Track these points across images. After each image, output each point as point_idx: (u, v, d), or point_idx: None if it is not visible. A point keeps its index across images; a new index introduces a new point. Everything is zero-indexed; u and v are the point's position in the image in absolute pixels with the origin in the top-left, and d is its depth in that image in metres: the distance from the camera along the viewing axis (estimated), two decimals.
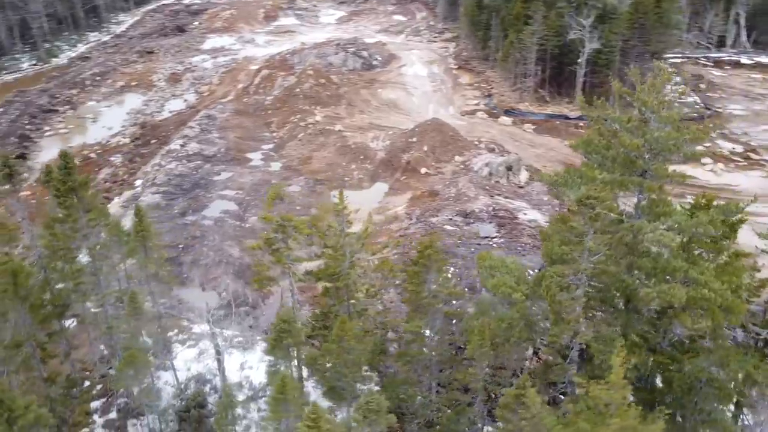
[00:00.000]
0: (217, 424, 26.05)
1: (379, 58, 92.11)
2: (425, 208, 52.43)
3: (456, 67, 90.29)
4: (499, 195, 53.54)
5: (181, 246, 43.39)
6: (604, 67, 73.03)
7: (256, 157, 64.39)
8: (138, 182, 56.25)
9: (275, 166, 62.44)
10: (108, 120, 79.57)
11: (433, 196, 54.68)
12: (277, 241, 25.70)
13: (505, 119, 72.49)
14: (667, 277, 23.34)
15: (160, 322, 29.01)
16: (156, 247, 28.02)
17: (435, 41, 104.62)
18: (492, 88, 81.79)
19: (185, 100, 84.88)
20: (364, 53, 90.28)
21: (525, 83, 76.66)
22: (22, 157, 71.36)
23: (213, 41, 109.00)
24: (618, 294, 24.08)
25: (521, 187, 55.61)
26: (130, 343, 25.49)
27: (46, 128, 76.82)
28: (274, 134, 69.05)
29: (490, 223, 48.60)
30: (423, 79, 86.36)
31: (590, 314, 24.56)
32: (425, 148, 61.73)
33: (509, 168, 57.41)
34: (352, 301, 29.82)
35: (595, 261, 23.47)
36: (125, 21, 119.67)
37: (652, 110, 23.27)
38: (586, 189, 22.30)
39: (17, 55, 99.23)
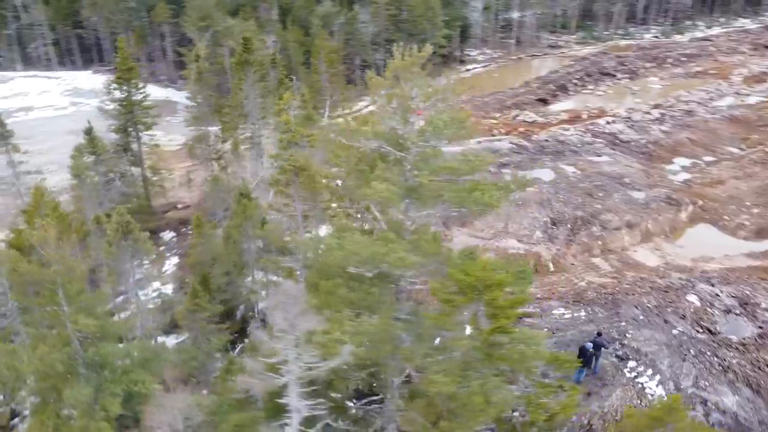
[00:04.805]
0: None
1: None
2: (727, 276, 38.44)
3: None
4: None
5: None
6: None
7: (679, 162, 56.22)
8: (542, 135, 59.44)
9: (680, 176, 53.72)
10: (646, 95, 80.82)
11: None
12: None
13: None
14: None
15: None
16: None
17: None
18: None
19: (742, 101, 75.96)
20: None
21: None
22: (542, 101, 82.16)
23: None
24: None
25: None
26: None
27: (589, 87, 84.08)
28: (736, 151, 57.28)
29: (749, 321, 32.93)
30: None
31: None
32: None
33: None
34: None
35: None
36: None
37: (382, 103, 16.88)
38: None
39: (650, 27, 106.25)
